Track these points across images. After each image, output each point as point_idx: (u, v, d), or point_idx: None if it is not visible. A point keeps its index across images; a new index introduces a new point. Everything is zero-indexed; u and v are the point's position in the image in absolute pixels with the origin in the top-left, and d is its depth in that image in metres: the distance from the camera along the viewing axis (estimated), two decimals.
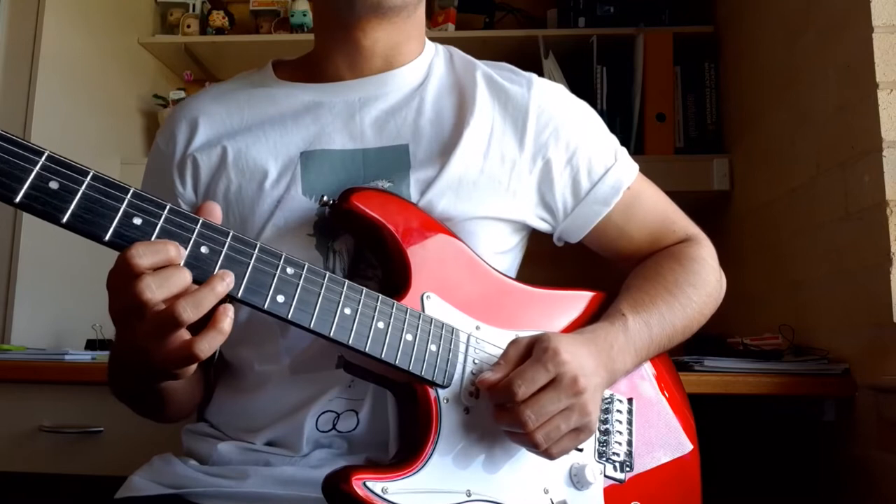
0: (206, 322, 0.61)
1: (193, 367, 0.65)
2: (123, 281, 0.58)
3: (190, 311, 0.59)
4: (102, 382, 1.32)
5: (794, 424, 1.44)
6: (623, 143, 0.97)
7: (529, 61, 1.89)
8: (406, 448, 0.74)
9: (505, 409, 0.72)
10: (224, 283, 0.61)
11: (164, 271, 0.59)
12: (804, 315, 1.44)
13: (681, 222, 0.97)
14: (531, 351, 0.74)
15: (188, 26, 2.13)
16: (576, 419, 0.72)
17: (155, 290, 0.58)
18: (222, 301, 0.62)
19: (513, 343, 0.76)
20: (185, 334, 0.61)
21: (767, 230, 1.65)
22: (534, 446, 0.71)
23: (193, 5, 2.16)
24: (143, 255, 0.58)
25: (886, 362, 1.17)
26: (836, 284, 1.33)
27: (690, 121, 1.93)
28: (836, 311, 1.33)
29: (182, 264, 0.61)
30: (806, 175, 1.44)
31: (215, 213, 0.65)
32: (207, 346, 0.60)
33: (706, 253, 0.95)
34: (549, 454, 0.72)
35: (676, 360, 0.98)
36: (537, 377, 0.71)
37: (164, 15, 2.21)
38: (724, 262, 0.98)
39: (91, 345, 1.64)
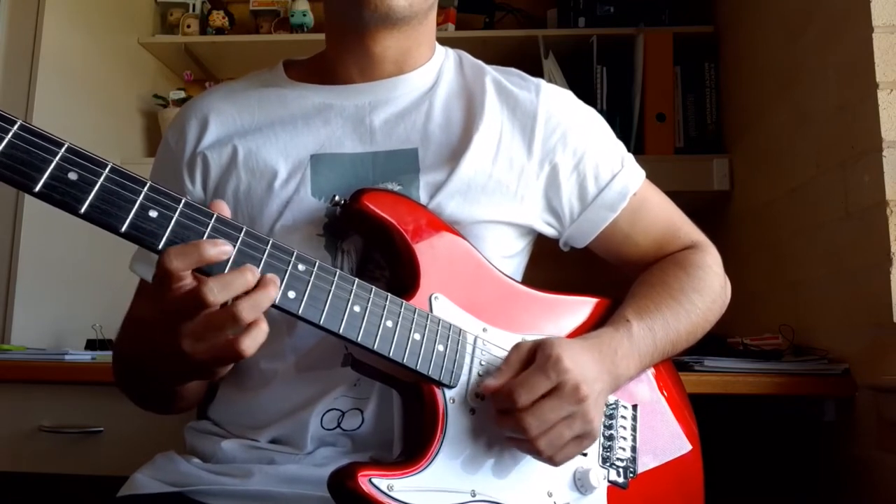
0: None
1: (229, 367, 0.66)
2: (177, 287, 0.60)
3: (248, 312, 0.60)
4: (102, 382, 1.33)
5: (794, 424, 1.44)
6: (623, 143, 0.98)
7: (529, 61, 1.90)
8: (411, 447, 0.74)
9: (508, 415, 0.72)
10: (275, 285, 0.63)
11: (227, 276, 0.61)
12: (804, 315, 1.44)
13: (686, 229, 0.98)
14: (534, 356, 0.74)
15: (188, 26, 2.13)
16: (579, 426, 0.72)
17: (217, 294, 0.59)
18: None
19: (515, 348, 0.76)
20: (229, 335, 0.62)
21: (767, 230, 1.65)
22: (537, 453, 0.72)
23: (193, 5, 2.16)
24: (180, 257, 0.60)
25: (886, 362, 1.17)
26: (836, 284, 1.33)
27: (690, 121, 1.93)
28: (836, 311, 1.33)
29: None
30: (806, 175, 1.44)
31: (224, 211, 0.66)
32: (252, 343, 0.62)
33: (711, 260, 0.95)
34: (552, 461, 0.73)
35: (676, 360, 0.98)
36: (539, 385, 0.71)
37: (164, 15, 2.21)
38: (725, 262, 0.98)
39: (91, 345, 1.64)
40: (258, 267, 0.65)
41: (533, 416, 0.70)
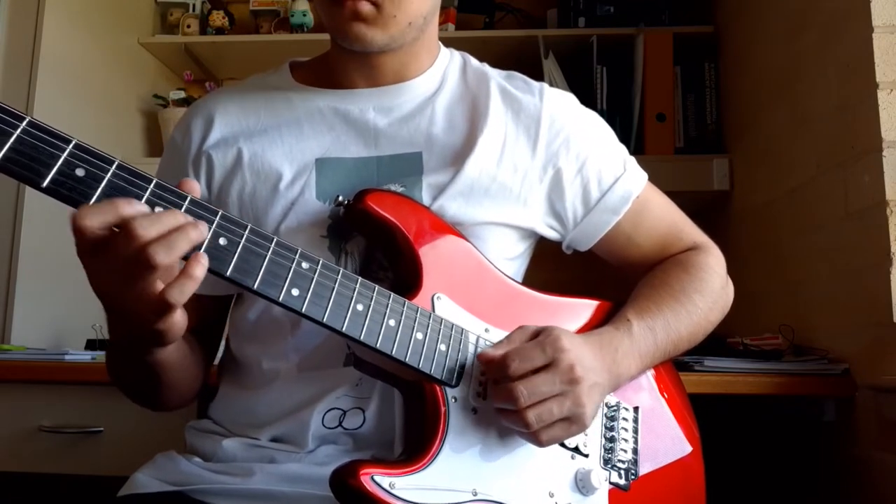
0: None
1: (177, 327, 0.64)
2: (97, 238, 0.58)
3: (163, 254, 0.58)
4: (102, 382, 1.33)
5: (794, 424, 1.44)
6: (623, 143, 0.98)
7: (529, 61, 1.90)
8: (413, 445, 0.75)
9: (500, 385, 0.73)
10: (198, 230, 0.61)
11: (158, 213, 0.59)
12: (804, 315, 1.44)
13: (688, 230, 0.98)
14: (537, 336, 0.75)
15: (188, 26, 2.13)
16: (569, 407, 0.73)
17: (147, 228, 0.57)
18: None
19: (520, 328, 0.77)
20: (159, 285, 0.60)
21: (767, 230, 1.65)
22: (524, 426, 0.72)
23: (193, 5, 2.16)
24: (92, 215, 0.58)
25: (886, 362, 1.17)
26: (836, 284, 1.33)
27: (690, 121, 1.93)
28: (836, 311, 1.34)
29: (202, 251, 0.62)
30: (806, 175, 1.44)
31: (195, 191, 0.64)
32: (178, 292, 0.60)
33: (713, 261, 0.96)
34: (538, 438, 0.73)
35: (676, 360, 0.98)
36: (533, 357, 0.72)
37: (164, 15, 2.21)
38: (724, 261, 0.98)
39: (91, 345, 1.63)
40: (262, 265, 0.65)
41: (524, 385, 0.71)
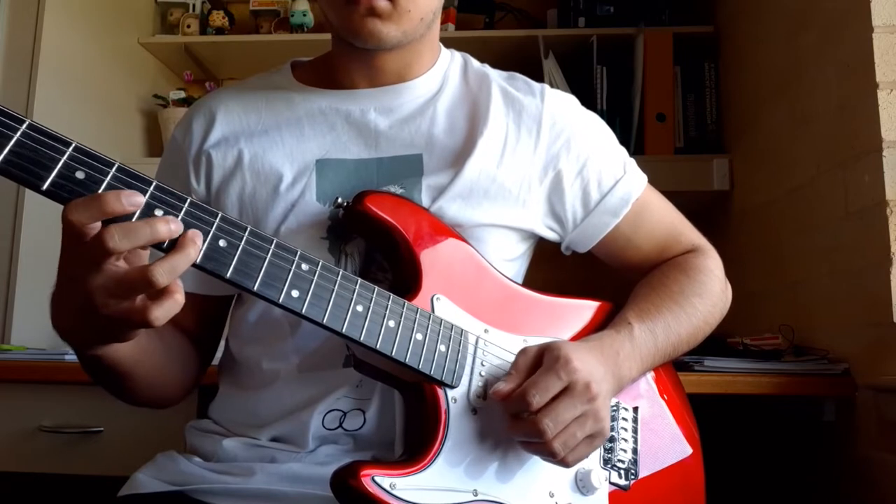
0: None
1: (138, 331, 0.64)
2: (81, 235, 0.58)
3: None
4: None
5: (794, 424, 1.44)
6: (623, 143, 0.98)
7: (529, 61, 1.90)
8: (413, 446, 0.75)
9: (520, 420, 0.72)
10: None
11: (131, 223, 0.58)
12: (804, 315, 1.44)
13: (687, 233, 0.98)
14: (542, 360, 0.74)
15: (188, 26, 2.13)
16: (591, 425, 0.73)
17: (119, 240, 0.57)
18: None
19: (522, 352, 0.76)
20: (138, 299, 0.59)
21: (767, 230, 1.65)
22: (551, 455, 0.72)
23: (193, 5, 2.16)
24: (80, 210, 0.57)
25: (886, 362, 1.17)
26: (836, 284, 1.33)
27: (690, 121, 1.93)
28: (836, 311, 1.34)
29: (199, 258, 0.61)
30: (806, 175, 1.44)
31: None
32: (163, 314, 0.59)
33: (712, 264, 0.96)
34: (565, 462, 0.73)
35: (677, 360, 0.98)
36: (551, 385, 0.71)
37: (164, 15, 2.21)
38: (724, 261, 0.99)
39: None
40: (262, 266, 0.65)
41: (548, 417, 0.70)
